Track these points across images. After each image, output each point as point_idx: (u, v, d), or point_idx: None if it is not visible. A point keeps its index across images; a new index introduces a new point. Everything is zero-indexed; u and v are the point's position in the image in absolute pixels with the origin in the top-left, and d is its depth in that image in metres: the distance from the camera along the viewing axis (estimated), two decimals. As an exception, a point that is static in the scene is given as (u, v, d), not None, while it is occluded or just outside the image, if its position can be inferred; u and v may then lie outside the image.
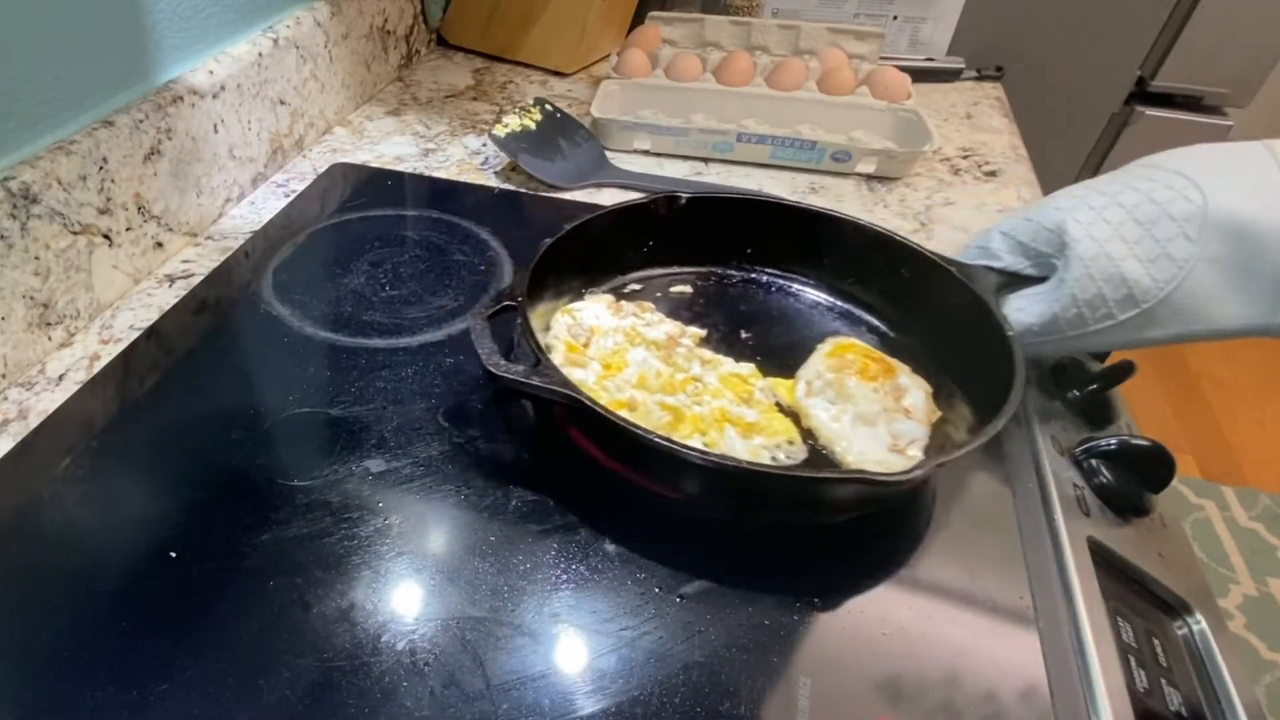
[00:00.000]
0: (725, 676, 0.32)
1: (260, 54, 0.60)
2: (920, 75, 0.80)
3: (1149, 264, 0.39)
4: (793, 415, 0.43)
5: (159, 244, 0.55)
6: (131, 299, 0.53)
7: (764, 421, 0.42)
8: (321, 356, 0.48)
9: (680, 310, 0.50)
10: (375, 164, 0.68)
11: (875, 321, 0.50)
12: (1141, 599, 0.37)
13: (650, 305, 0.49)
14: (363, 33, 0.74)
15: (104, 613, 0.34)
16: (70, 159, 0.46)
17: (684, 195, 0.51)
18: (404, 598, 0.35)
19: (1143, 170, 0.42)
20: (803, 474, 0.38)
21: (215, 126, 0.57)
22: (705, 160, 0.70)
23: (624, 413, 0.38)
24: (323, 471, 0.40)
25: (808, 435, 0.42)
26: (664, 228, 0.51)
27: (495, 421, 0.44)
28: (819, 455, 0.41)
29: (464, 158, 0.69)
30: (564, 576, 0.36)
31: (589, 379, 0.42)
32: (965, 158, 0.71)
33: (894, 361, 0.44)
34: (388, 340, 0.49)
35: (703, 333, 0.48)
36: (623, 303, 0.48)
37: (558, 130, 0.68)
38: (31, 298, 0.45)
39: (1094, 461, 0.42)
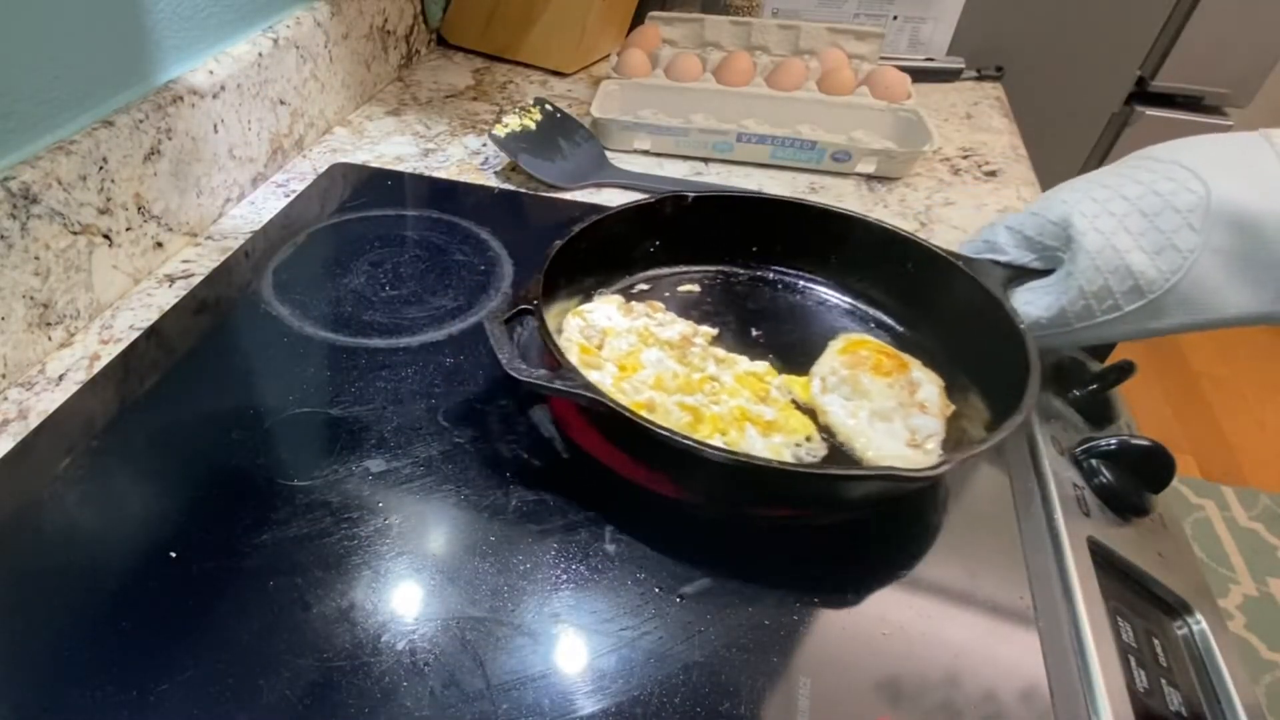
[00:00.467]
0: (725, 676, 0.32)
1: (260, 54, 0.60)
2: (920, 75, 0.80)
3: (1154, 255, 0.39)
4: (809, 412, 0.43)
5: (159, 244, 0.55)
6: (131, 299, 0.53)
7: (782, 419, 0.42)
8: (321, 356, 0.48)
9: (689, 309, 0.50)
10: (375, 164, 0.68)
11: (884, 318, 0.50)
12: (1141, 599, 0.37)
13: (660, 305, 0.49)
14: (363, 33, 0.74)
15: (104, 613, 0.34)
16: (70, 159, 0.46)
17: (690, 194, 0.51)
18: (404, 598, 0.35)
19: (1144, 162, 0.42)
20: (834, 472, 0.38)
21: (215, 126, 0.57)
22: (705, 160, 0.70)
23: (644, 414, 0.38)
24: (323, 471, 0.40)
25: (825, 432, 0.42)
26: (671, 227, 0.51)
27: (495, 421, 0.43)
28: (838, 452, 0.41)
29: (464, 158, 0.69)
30: (564, 576, 0.36)
31: (606, 381, 0.42)
32: (965, 158, 0.71)
33: (906, 357, 0.45)
34: (388, 340, 0.49)
35: (714, 331, 0.48)
36: (633, 303, 0.48)
37: (558, 130, 0.68)
38: (31, 298, 0.45)
39: (1094, 461, 0.42)
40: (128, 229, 0.51)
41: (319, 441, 0.42)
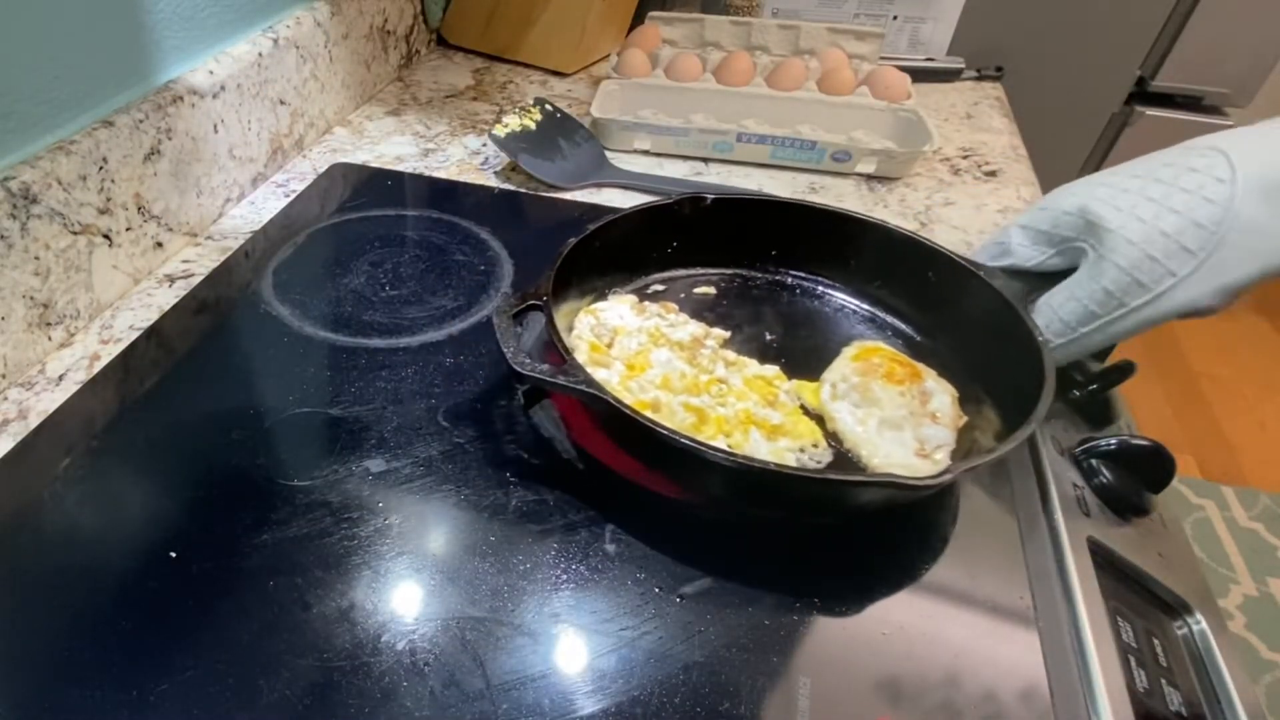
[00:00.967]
0: (725, 676, 0.32)
1: (260, 54, 0.60)
2: (920, 75, 0.80)
3: (1188, 212, 0.38)
4: (817, 418, 0.43)
5: (159, 244, 0.55)
6: (131, 299, 0.53)
7: (789, 424, 0.42)
8: (321, 356, 0.48)
9: (704, 311, 0.50)
10: (375, 164, 0.68)
11: (901, 325, 0.50)
12: (1141, 599, 0.37)
13: (674, 306, 0.49)
14: (363, 33, 0.74)
15: (104, 613, 0.34)
16: (70, 159, 0.46)
17: (709, 196, 0.50)
18: (404, 598, 0.35)
19: (1144, 157, 0.42)
20: (832, 477, 0.38)
21: (215, 126, 0.57)
22: (705, 160, 0.70)
23: (647, 413, 0.38)
24: (323, 471, 0.40)
25: (832, 438, 0.42)
26: (687, 229, 0.51)
27: (495, 421, 0.43)
28: (844, 458, 0.41)
29: (464, 158, 0.69)
30: (564, 576, 0.36)
31: (613, 379, 0.42)
32: (965, 158, 0.71)
33: (920, 365, 0.44)
34: (388, 340, 0.49)
35: (727, 334, 0.48)
36: (646, 303, 0.48)
37: (558, 130, 0.68)
38: (31, 298, 0.45)
39: (1094, 461, 0.42)
40: (128, 229, 0.51)
41: (319, 441, 0.42)
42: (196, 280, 0.54)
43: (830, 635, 0.34)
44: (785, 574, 0.36)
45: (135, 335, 0.49)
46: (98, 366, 0.47)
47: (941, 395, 0.42)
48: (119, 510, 0.39)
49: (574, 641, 0.33)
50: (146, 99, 0.52)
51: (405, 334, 0.49)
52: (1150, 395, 1.75)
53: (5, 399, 0.45)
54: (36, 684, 0.32)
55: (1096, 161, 0.94)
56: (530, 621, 0.34)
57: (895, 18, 0.84)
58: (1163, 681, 0.34)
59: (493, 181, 0.66)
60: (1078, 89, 0.91)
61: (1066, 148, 0.95)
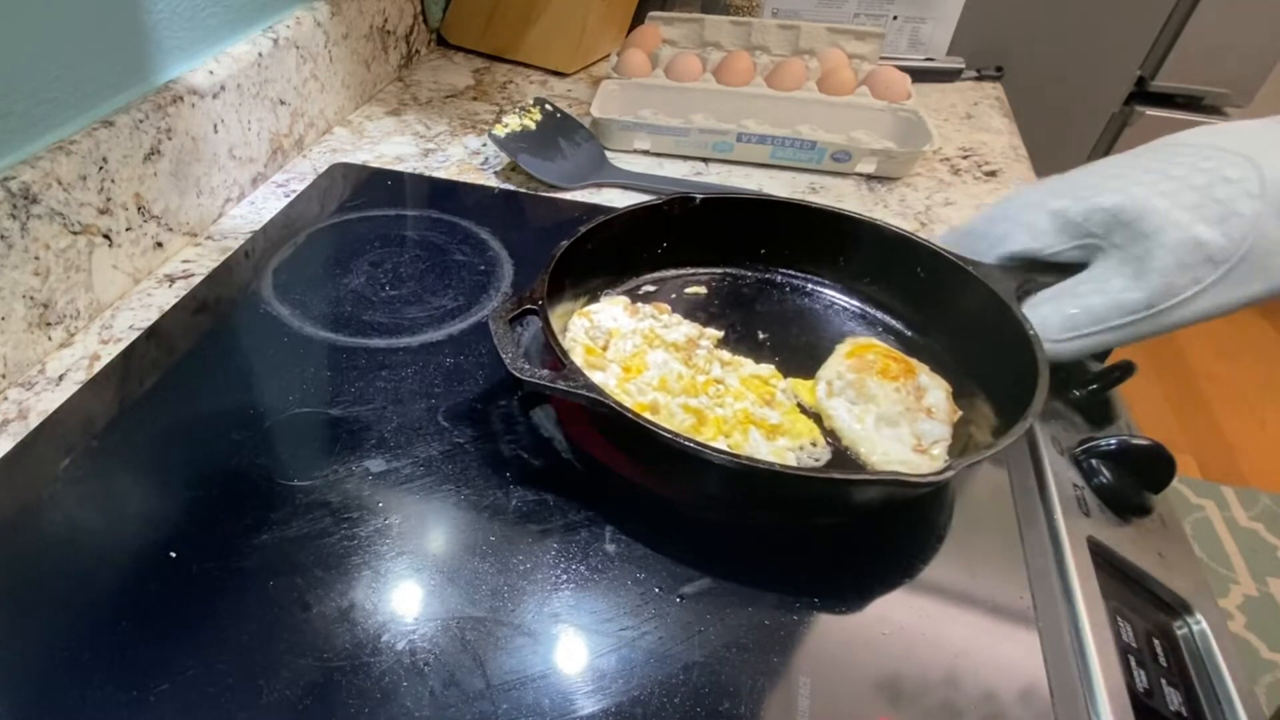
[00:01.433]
0: (725, 676, 0.32)
1: (260, 54, 0.60)
2: (920, 75, 0.80)
3: (1219, 224, 0.38)
4: (815, 416, 0.43)
5: (159, 244, 0.55)
6: (131, 299, 0.53)
7: (787, 423, 0.42)
8: (321, 356, 0.48)
9: (695, 311, 0.50)
10: (375, 164, 0.68)
11: (892, 321, 0.50)
12: (1141, 599, 0.37)
13: (667, 307, 0.49)
14: (363, 33, 0.74)
15: (104, 613, 0.34)
16: (70, 159, 0.46)
17: (697, 196, 0.51)
18: (404, 598, 0.35)
19: (1176, 149, 0.42)
20: (837, 476, 0.38)
21: (215, 126, 0.57)
22: (705, 160, 0.70)
23: (647, 415, 0.38)
24: (323, 471, 0.40)
25: (830, 436, 0.42)
26: (678, 228, 0.51)
27: (495, 421, 0.43)
28: (843, 456, 0.41)
29: (464, 158, 0.69)
30: (564, 576, 0.36)
31: (610, 382, 0.42)
32: (965, 158, 0.71)
33: (914, 361, 0.44)
34: (388, 340, 0.49)
35: (720, 334, 0.48)
36: (639, 304, 0.48)
37: (558, 130, 0.68)
38: (31, 298, 0.45)
39: (1094, 461, 0.42)
40: (128, 229, 0.51)
41: (319, 441, 0.42)
42: (196, 280, 0.54)
43: (830, 635, 0.34)
44: (785, 574, 0.36)
45: (135, 335, 0.49)
46: (98, 366, 0.47)
47: (936, 390, 0.43)
48: (119, 510, 0.39)
49: (574, 641, 0.33)
50: (146, 99, 0.52)
51: (405, 334, 0.49)
52: (1150, 395, 1.75)
53: (5, 399, 0.45)
54: (36, 684, 0.32)
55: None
56: (530, 621, 0.34)
57: (895, 18, 0.84)
58: (1163, 681, 0.34)
59: (493, 181, 0.66)
60: (1078, 89, 0.91)
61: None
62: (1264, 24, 0.84)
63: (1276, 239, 0.37)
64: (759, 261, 0.54)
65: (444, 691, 0.31)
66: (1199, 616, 0.37)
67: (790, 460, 0.40)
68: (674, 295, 0.52)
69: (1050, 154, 0.90)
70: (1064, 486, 0.40)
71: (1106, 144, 0.94)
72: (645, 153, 0.70)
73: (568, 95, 0.81)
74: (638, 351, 0.44)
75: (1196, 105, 0.90)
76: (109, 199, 0.49)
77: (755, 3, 0.89)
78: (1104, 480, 0.41)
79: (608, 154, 0.69)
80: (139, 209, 0.52)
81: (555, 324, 0.42)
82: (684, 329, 0.47)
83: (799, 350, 0.47)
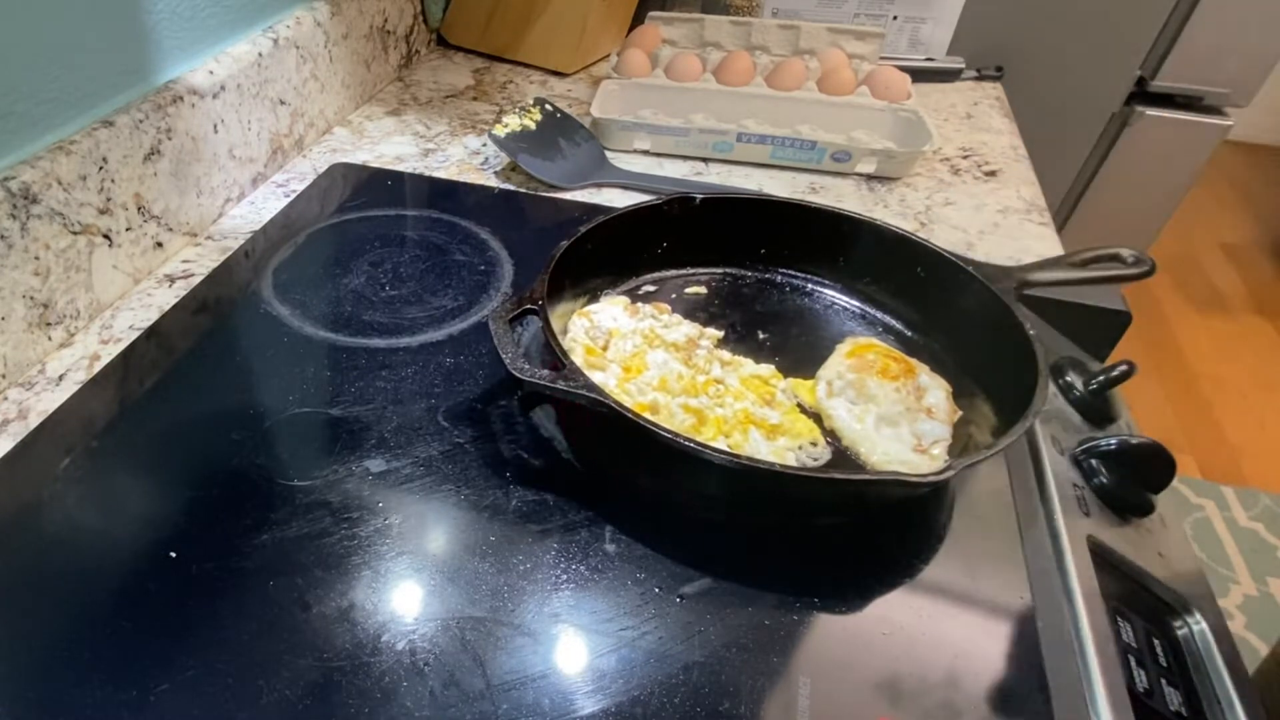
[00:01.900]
0: (725, 676, 0.32)
1: (260, 54, 0.60)
2: (920, 75, 0.80)
3: None
4: (815, 416, 0.43)
5: (159, 244, 0.55)
6: (131, 299, 0.53)
7: (787, 423, 0.42)
8: (321, 356, 0.47)
9: (695, 311, 0.50)
10: (375, 164, 0.68)
11: (892, 321, 0.50)
12: (1141, 599, 0.37)
13: (667, 307, 0.49)
14: (363, 33, 0.74)
15: (104, 613, 0.34)
16: (70, 159, 0.46)
17: (697, 196, 0.51)
18: (404, 598, 0.35)
19: None
20: (839, 476, 0.38)
21: (215, 126, 0.57)
22: (705, 160, 0.70)
23: (647, 415, 0.38)
24: (323, 471, 0.40)
25: (830, 436, 0.42)
26: (677, 229, 0.51)
27: (495, 421, 0.43)
28: (843, 456, 0.41)
29: (464, 158, 0.69)
30: (564, 576, 0.36)
31: (610, 382, 0.42)
32: (965, 158, 0.71)
33: (914, 361, 0.44)
34: (388, 340, 0.49)
35: (720, 334, 0.48)
36: (639, 304, 0.48)
37: (558, 130, 0.68)
38: (31, 298, 0.45)
39: (1094, 461, 0.42)
40: (128, 229, 0.51)
41: (319, 441, 0.42)
42: (196, 280, 0.54)
43: (830, 635, 0.34)
44: (785, 574, 0.36)
45: (135, 335, 0.49)
46: (98, 366, 0.47)
47: (936, 390, 0.43)
48: (119, 510, 0.39)
49: (574, 641, 0.33)
50: (146, 99, 0.52)
51: (405, 334, 0.49)
52: (1150, 395, 1.75)
53: (5, 399, 0.45)
54: (37, 684, 0.32)
55: (1096, 161, 0.94)
56: (530, 621, 0.34)
57: (895, 18, 0.84)
58: (1163, 681, 0.34)
59: (493, 181, 0.66)
60: (1078, 89, 0.91)
61: (1066, 148, 0.95)
62: (1264, 24, 0.84)
63: None
64: (759, 261, 0.54)
65: (444, 691, 0.31)
66: (1199, 616, 0.37)
67: (790, 460, 0.40)
68: (674, 295, 0.52)
69: (1050, 154, 0.90)
70: (1064, 486, 0.40)
71: (1106, 144, 0.94)
72: (645, 153, 0.70)
73: (568, 95, 0.81)
74: (638, 351, 0.44)
75: (1196, 105, 0.90)
76: (109, 199, 0.49)
77: (755, 3, 0.89)
78: (1104, 480, 0.41)
79: (608, 154, 0.69)
80: (139, 209, 0.52)
81: (555, 324, 0.42)
82: (684, 329, 0.47)
83: (799, 350, 0.47)
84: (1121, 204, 0.95)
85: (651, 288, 0.52)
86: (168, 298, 0.52)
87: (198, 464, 0.41)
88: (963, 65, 0.85)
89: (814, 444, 0.41)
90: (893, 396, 0.42)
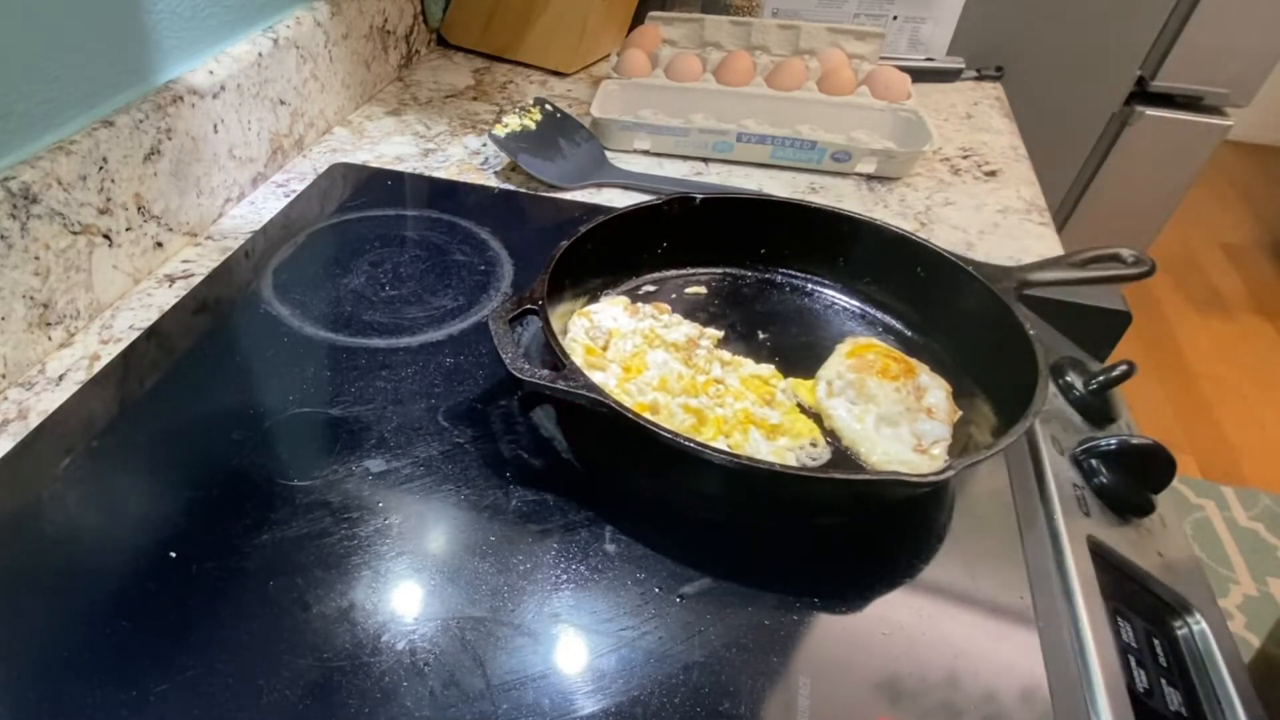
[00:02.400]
0: (725, 676, 0.32)
1: (260, 54, 0.60)
2: (920, 75, 0.80)
3: None
4: (815, 416, 0.43)
5: (159, 244, 0.55)
6: (131, 299, 0.53)
7: (787, 423, 0.42)
8: (321, 356, 0.47)
9: (695, 311, 0.50)
10: (375, 164, 0.68)
11: (892, 321, 0.50)
12: (1141, 599, 0.37)
13: (667, 307, 0.49)
14: (363, 33, 0.74)
15: (104, 613, 0.34)
16: (70, 159, 0.46)
17: (697, 196, 0.51)
18: (404, 598, 0.35)
19: None
20: (839, 476, 0.38)
21: (215, 126, 0.57)
22: (705, 160, 0.70)
23: (647, 415, 0.38)
24: (323, 471, 0.40)
25: (830, 436, 0.42)
26: (677, 229, 0.51)
27: (495, 421, 0.43)
28: (843, 456, 0.41)
29: (464, 158, 0.69)
30: (564, 576, 0.36)
31: (610, 382, 0.42)
32: (965, 158, 0.71)
33: (914, 361, 0.44)
34: (388, 340, 0.49)
35: (720, 334, 0.48)
36: (639, 304, 0.48)
37: (558, 130, 0.68)
38: (31, 298, 0.45)
39: (1094, 461, 0.42)
40: (128, 229, 0.51)
41: (319, 441, 0.42)
42: (196, 280, 0.54)
43: (830, 635, 0.34)
44: (785, 574, 0.36)
45: (135, 335, 0.49)
46: (98, 366, 0.47)
47: (936, 390, 0.43)
48: (119, 510, 0.39)
49: (574, 641, 0.33)
50: (146, 99, 0.52)
51: (405, 334, 0.49)
52: (1150, 395, 1.75)
53: (5, 399, 0.45)
54: (36, 684, 0.32)
55: (1096, 162, 0.94)
56: (530, 621, 0.34)
57: (895, 18, 0.84)
58: (1163, 681, 0.34)
59: (493, 181, 0.66)
60: (1078, 89, 0.91)
61: (1066, 148, 0.95)
62: (1264, 24, 0.84)
63: None
64: (759, 261, 0.54)
65: (444, 691, 0.31)
66: (1199, 616, 0.37)
67: (790, 460, 0.40)
68: (674, 295, 0.52)
69: (1050, 154, 0.90)
70: (1064, 486, 0.40)
71: (1106, 144, 0.94)
72: (645, 153, 0.70)
73: (568, 95, 0.81)
74: (638, 351, 0.44)
75: (1196, 105, 0.90)
76: (109, 199, 0.49)
77: (755, 3, 0.89)
78: (1104, 480, 0.41)
79: (608, 154, 0.69)
80: (139, 209, 0.52)
81: (555, 324, 0.42)
82: (684, 329, 0.47)
83: (799, 350, 0.47)
84: (1121, 204, 0.95)
85: (651, 288, 0.52)
86: (168, 298, 0.52)
87: (198, 464, 0.41)
88: (963, 65, 0.85)
89: (814, 444, 0.41)
90: (893, 396, 0.42)
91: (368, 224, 0.60)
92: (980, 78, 0.86)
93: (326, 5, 0.68)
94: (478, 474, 0.40)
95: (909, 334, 0.49)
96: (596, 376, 0.41)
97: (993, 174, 0.69)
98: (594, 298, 0.50)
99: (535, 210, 0.63)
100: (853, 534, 0.38)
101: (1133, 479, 0.41)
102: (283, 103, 0.64)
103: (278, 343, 0.48)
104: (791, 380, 0.45)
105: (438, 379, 0.46)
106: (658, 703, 0.31)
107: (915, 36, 0.85)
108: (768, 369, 0.45)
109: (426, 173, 0.67)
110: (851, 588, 0.36)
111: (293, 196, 0.63)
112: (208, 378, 0.46)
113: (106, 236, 0.50)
